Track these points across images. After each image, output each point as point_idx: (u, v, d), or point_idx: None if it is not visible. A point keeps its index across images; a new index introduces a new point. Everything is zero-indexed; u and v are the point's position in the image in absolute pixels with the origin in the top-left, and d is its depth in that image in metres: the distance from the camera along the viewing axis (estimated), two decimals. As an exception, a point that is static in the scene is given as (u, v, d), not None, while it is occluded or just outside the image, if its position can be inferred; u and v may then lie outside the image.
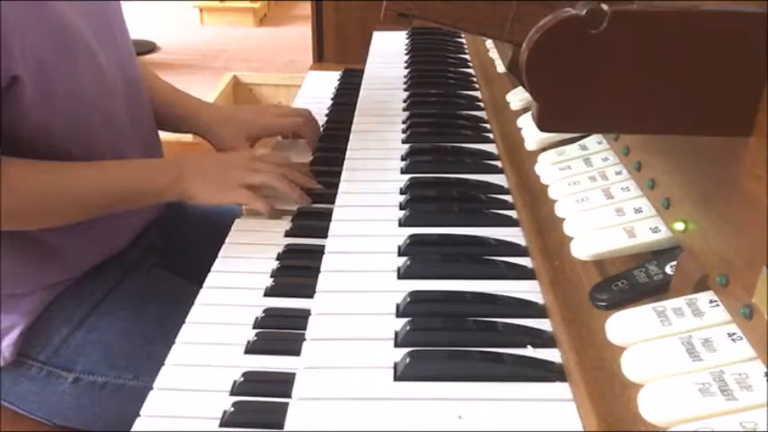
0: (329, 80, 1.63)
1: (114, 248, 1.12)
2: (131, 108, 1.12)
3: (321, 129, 1.34)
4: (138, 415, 0.71)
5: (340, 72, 1.67)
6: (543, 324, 0.73)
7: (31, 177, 0.98)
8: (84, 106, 1.01)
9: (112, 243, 1.12)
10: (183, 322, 0.84)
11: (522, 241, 0.87)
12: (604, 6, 0.50)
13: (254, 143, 1.29)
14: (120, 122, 1.09)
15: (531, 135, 0.97)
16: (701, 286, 0.58)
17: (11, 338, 1.03)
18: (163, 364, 0.78)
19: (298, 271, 0.92)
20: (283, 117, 1.30)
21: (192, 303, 0.87)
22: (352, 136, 1.19)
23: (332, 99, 1.52)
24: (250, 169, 1.04)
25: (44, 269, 1.05)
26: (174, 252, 1.24)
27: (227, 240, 1.00)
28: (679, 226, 0.63)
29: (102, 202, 1.02)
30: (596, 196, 0.77)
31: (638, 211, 0.72)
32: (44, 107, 0.96)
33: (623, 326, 0.60)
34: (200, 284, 0.91)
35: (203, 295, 0.89)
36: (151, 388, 0.75)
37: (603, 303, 0.66)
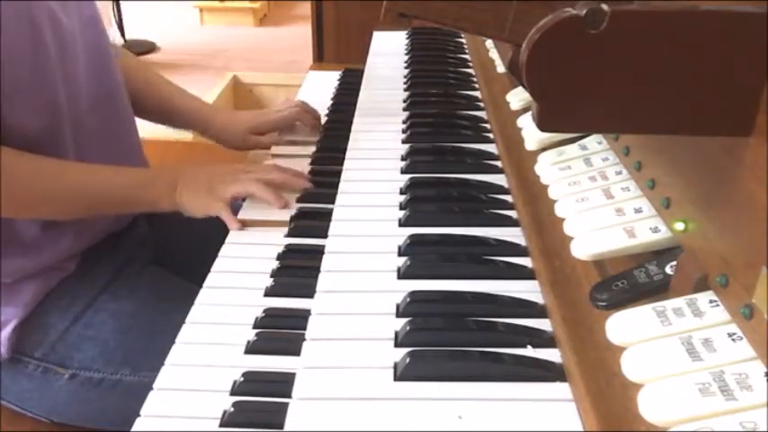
0: (329, 80, 1.63)
1: (102, 234, 1.13)
2: (105, 120, 1.12)
3: (321, 129, 1.35)
4: (135, 411, 0.71)
5: (340, 72, 1.67)
6: (543, 324, 0.73)
7: (30, 169, 0.99)
8: (55, 110, 1.01)
9: (103, 229, 1.13)
10: (179, 318, 0.84)
11: (522, 241, 0.87)
12: (604, 6, 0.50)
13: (261, 135, 1.36)
14: (89, 131, 1.09)
15: (531, 135, 0.97)
16: (701, 286, 0.58)
17: (5, 334, 1.04)
18: (159, 359, 0.78)
19: (298, 271, 0.92)
20: (282, 110, 1.37)
21: (187, 300, 0.87)
22: (352, 136, 1.19)
23: (332, 99, 1.52)
24: (233, 181, 1.05)
25: (33, 254, 1.05)
26: (168, 249, 1.25)
27: (227, 240, 1.00)
28: (679, 226, 0.63)
29: (94, 204, 1.04)
30: (596, 196, 0.77)
31: (638, 211, 0.71)
32: (19, 104, 0.96)
33: (623, 326, 0.60)
34: (193, 281, 0.91)
35: (203, 295, 0.89)
36: (148, 384, 0.75)
37: (603, 303, 0.66)
